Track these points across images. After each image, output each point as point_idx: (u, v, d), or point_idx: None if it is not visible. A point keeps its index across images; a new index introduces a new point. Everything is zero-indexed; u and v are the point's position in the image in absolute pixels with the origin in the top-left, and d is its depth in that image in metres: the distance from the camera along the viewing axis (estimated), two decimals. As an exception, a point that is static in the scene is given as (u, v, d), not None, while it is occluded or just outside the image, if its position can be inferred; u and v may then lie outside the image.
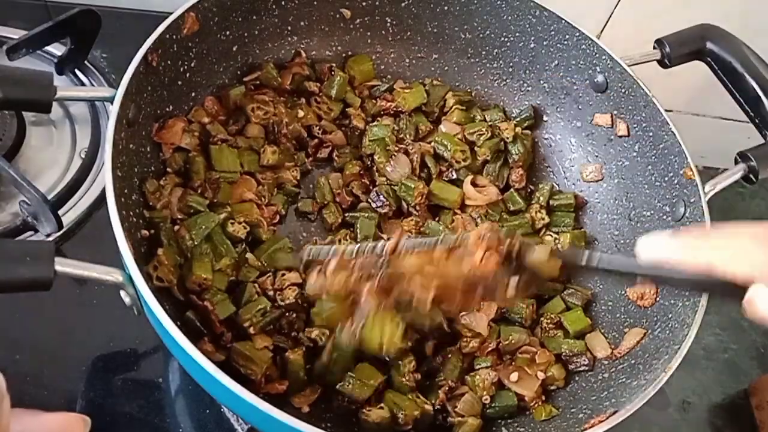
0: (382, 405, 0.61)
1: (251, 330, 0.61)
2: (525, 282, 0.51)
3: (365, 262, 0.51)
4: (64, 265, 0.47)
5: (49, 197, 0.72)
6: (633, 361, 0.64)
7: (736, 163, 0.70)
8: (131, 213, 0.60)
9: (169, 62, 0.65)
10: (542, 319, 0.69)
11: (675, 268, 0.46)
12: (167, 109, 0.68)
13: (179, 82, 0.69)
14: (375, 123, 0.77)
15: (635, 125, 0.74)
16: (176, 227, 0.63)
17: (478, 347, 0.66)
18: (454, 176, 0.77)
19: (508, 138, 0.78)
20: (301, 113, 0.75)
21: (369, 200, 0.74)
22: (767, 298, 0.42)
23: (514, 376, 0.65)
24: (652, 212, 0.72)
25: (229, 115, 0.74)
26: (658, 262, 0.47)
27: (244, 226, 0.66)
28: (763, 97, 0.70)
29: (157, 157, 0.67)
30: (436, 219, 0.75)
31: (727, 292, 0.44)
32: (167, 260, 0.59)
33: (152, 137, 0.66)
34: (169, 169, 0.67)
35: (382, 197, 0.73)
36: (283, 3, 0.75)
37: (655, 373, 0.57)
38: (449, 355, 0.65)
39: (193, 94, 0.71)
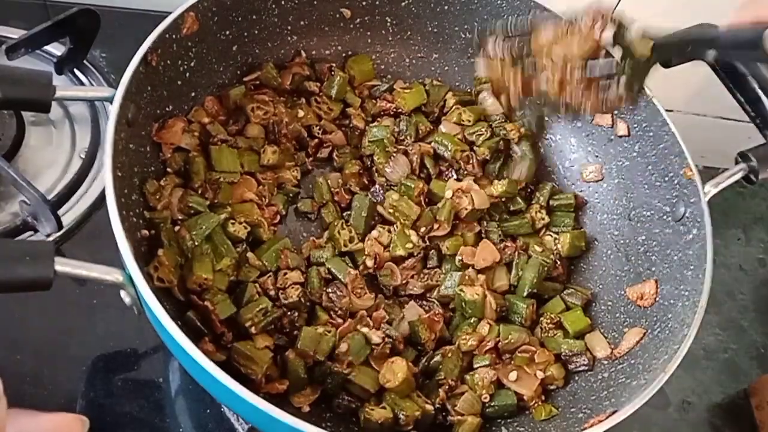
0: (384, 405, 0.61)
1: (252, 330, 0.61)
2: (629, 75, 0.59)
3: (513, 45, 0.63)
4: (63, 265, 0.47)
5: (49, 197, 0.72)
6: (633, 361, 0.64)
7: (737, 163, 0.70)
8: (131, 213, 0.60)
9: (168, 62, 0.65)
10: (542, 319, 0.69)
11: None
12: (167, 109, 0.68)
13: (179, 82, 0.69)
14: (375, 124, 0.77)
15: (635, 125, 0.74)
16: (177, 228, 0.63)
17: (477, 345, 0.66)
18: (454, 176, 0.77)
19: (513, 138, 0.78)
20: (301, 113, 0.75)
21: (371, 194, 0.74)
22: None
23: (512, 375, 0.65)
24: (652, 212, 0.72)
25: (229, 115, 0.74)
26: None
27: (245, 226, 0.66)
28: (764, 97, 0.70)
29: (157, 157, 0.67)
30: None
31: None
32: (168, 261, 0.59)
33: (152, 137, 0.66)
34: (169, 169, 0.67)
35: (383, 193, 0.73)
36: (282, 3, 0.75)
37: (654, 373, 0.57)
38: (449, 354, 0.65)
39: (192, 94, 0.71)
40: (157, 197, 0.64)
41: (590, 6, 0.60)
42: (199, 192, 0.67)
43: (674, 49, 0.63)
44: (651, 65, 0.61)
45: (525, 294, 0.70)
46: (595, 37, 0.59)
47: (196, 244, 0.62)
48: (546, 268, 0.71)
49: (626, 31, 0.60)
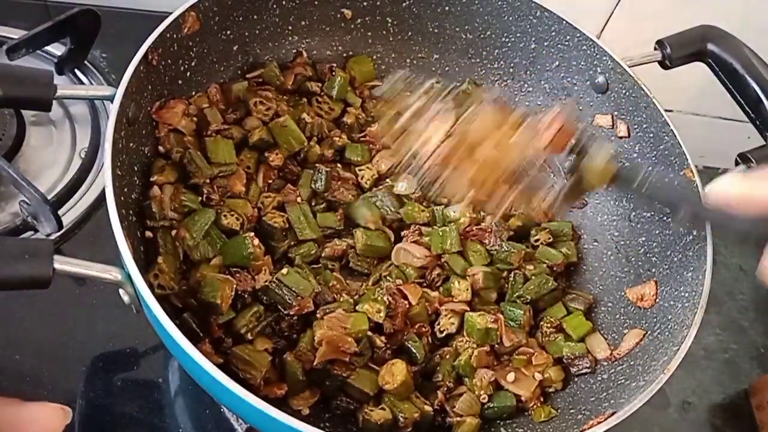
0: (383, 406, 0.61)
1: (248, 336, 0.61)
2: (568, 190, 0.51)
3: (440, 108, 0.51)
4: (62, 263, 0.47)
5: (49, 197, 0.72)
6: (632, 362, 0.64)
7: (737, 164, 0.70)
8: (131, 212, 0.60)
9: (169, 61, 0.65)
10: (542, 323, 0.69)
11: (739, 207, 0.46)
12: (167, 109, 0.68)
13: (179, 81, 0.69)
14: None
15: (636, 126, 0.74)
16: (173, 231, 0.62)
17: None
18: None
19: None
20: (305, 116, 0.74)
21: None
22: None
23: (510, 377, 0.64)
24: (652, 213, 0.72)
25: (229, 107, 0.73)
26: (724, 203, 0.47)
27: (237, 218, 0.66)
28: (764, 99, 0.70)
29: (156, 156, 0.67)
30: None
31: None
32: (167, 268, 0.59)
33: (151, 114, 0.65)
34: (160, 148, 0.66)
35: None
36: (283, 2, 0.75)
37: (654, 374, 0.57)
38: (447, 356, 0.65)
39: (193, 93, 0.71)
40: (158, 200, 0.63)
41: (561, 106, 0.52)
42: (205, 193, 0.66)
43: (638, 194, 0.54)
44: (585, 192, 0.54)
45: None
46: (553, 138, 0.51)
47: (198, 242, 0.62)
48: (548, 284, 0.70)
49: (591, 150, 0.52)
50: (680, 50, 0.73)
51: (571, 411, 0.63)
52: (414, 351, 0.64)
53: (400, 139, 0.51)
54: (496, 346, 0.66)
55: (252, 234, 0.64)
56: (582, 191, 0.53)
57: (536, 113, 0.52)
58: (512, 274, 0.71)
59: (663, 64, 0.74)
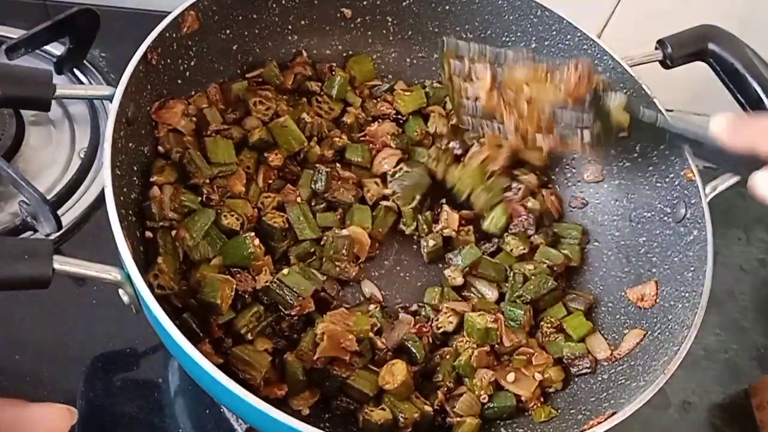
0: (383, 406, 0.61)
1: (249, 336, 0.61)
2: (597, 134, 0.61)
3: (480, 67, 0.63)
4: (62, 263, 0.47)
5: (49, 197, 0.72)
6: (632, 363, 0.64)
7: (737, 163, 0.70)
8: (130, 212, 0.59)
9: (168, 61, 0.65)
10: (542, 323, 0.69)
11: (729, 147, 0.54)
12: (167, 108, 0.68)
13: (179, 81, 0.68)
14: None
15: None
16: (173, 232, 0.62)
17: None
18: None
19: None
20: (305, 116, 0.74)
21: None
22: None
23: (510, 377, 0.64)
24: (652, 213, 0.72)
25: (229, 107, 0.73)
26: (718, 139, 0.54)
27: (237, 218, 0.65)
28: (765, 98, 0.70)
29: (156, 156, 0.67)
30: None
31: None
32: (167, 268, 0.59)
33: (150, 114, 0.65)
34: (160, 148, 0.66)
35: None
36: (283, 2, 0.75)
37: (654, 375, 0.57)
38: (447, 356, 0.65)
39: (193, 93, 0.71)
40: (158, 202, 0.63)
41: (578, 61, 0.60)
42: (205, 194, 0.66)
43: (652, 134, 0.62)
44: (618, 134, 0.62)
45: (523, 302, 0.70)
46: (571, 91, 0.60)
47: (198, 242, 0.62)
48: (547, 284, 0.70)
49: (606, 97, 0.61)
50: (681, 50, 0.73)
51: (572, 411, 0.63)
52: (414, 351, 0.64)
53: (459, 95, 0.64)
54: (496, 346, 0.66)
55: (253, 234, 0.64)
56: (609, 134, 0.62)
57: (558, 69, 0.61)
58: (512, 274, 0.71)
59: (664, 64, 0.74)
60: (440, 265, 0.74)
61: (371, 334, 0.63)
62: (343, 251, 0.67)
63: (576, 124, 0.61)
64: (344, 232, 0.68)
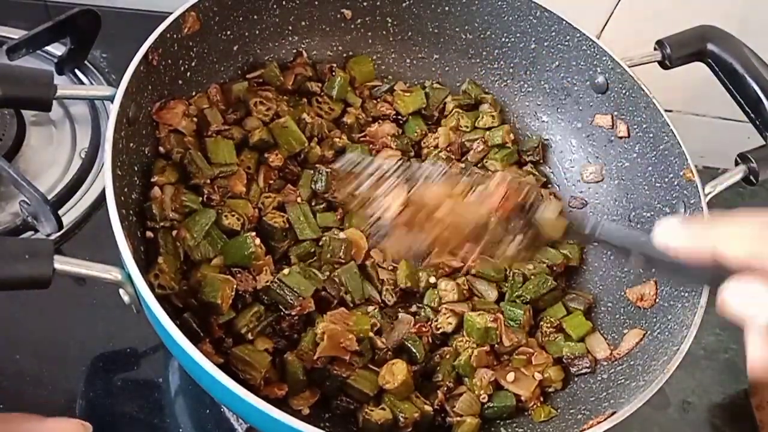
0: (383, 406, 0.61)
1: (249, 336, 0.61)
2: (527, 242, 0.54)
3: (394, 182, 0.55)
4: (62, 263, 0.47)
5: (49, 197, 0.72)
6: (632, 362, 0.64)
7: (737, 164, 0.70)
8: (131, 212, 0.60)
9: (169, 61, 0.65)
10: (542, 323, 0.69)
11: (683, 256, 0.45)
12: (167, 109, 0.68)
13: (180, 81, 0.69)
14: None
15: (635, 126, 0.74)
16: (174, 232, 0.62)
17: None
18: None
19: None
20: (306, 117, 0.74)
21: None
22: (740, 293, 0.41)
23: (510, 377, 0.64)
24: (652, 213, 0.72)
25: (230, 107, 0.73)
26: (668, 248, 0.46)
27: (238, 218, 0.66)
28: (764, 99, 0.70)
29: (157, 156, 0.67)
30: None
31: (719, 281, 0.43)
32: (168, 268, 0.59)
33: (151, 115, 0.65)
34: (161, 149, 0.66)
35: None
36: (284, 3, 0.75)
37: (653, 374, 0.57)
38: (447, 356, 0.65)
39: (193, 94, 0.71)
40: (159, 203, 0.63)
41: (501, 177, 0.55)
42: (206, 194, 0.66)
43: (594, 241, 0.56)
44: (550, 240, 0.56)
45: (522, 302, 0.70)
46: (496, 208, 0.54)
47: (198, 242, 0.62)
48: (547, 283, 0.70)
49: (538, 208, 0.55)
50: (680, 50, 0.73)
51: (571, 411, 0.63)
52: (414, 351, 0.64)
53: (363, 208, 0.55)
54: (496, 345, 0.66)
55: (254, 233, 0.64)
56: (541, 243, 0.56)
57: (481, 183, 0.55)
58: (512, 274, 0.71)
59: (663, 64, 0.74)
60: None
61: (371, 334, 0.63)
62: (340, 254, 0.67)
63: (504, 235, 0.54)
64: (341, 235, 0.68)
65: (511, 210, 0.53)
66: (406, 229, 0.55)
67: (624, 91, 0.74)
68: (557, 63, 0.78)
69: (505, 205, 0.53)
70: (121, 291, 0.51)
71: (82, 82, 0.84)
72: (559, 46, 0.77)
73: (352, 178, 0.55)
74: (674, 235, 0.46)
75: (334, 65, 0.80)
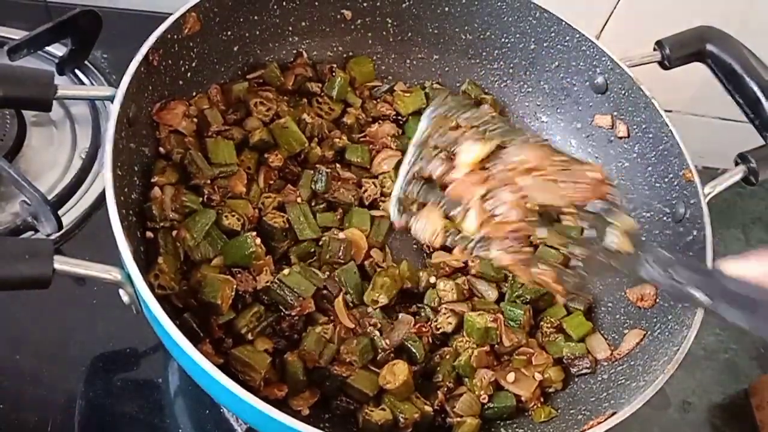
0: (383, 407, 0.61)
1: (249, 336, 0.61)
2: (590, 257, 0.50)
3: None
4: (62, 263, 0.47)
5: (50, 197, 0.72)
6: (632, 363, 0.64)
7: (737, 164, 0.70)
8: (131, 212, 0.60)
9: (170, 62, 0.65)
10: (542, 323, 0.69)
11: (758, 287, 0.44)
12: (168, 109, 0.68)
13: (180, 82, 0.69)
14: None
15: (635, 126, 0.74)
16: (174, 232, 0.63)
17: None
18: None
19: None
20: (306, 117, 0.74)
21: None
22: None
23: (510, 377, 0.64)
24: (651, 213, 0.72)
25: (230, 108, 0.73)
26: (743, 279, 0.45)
27: (238, 219, 0.66)
28: (763, 99, 0.70)
29: (157, 157, 0.67)
30: None
31: None
32: (168, 268, 0.59)
33: (152, 116, 0.65)
34: (161, 149, 0.66)
35: None
36: (284, 3, 0.75)
37: (654, 375, 0.57)
38: (447, 356, 0.65)
39: (194, 94, 0.71)
40: (159, 203, 0.63)
41: (598, 167, 0.50)
42: (206, 195, 0.66)
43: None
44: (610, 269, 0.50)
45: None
46: (579, 195, 0.49)
47: (198, 242, 0.62)
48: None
49: (614, 214, 0.50)
50: (679, 51, 0.74)
51: (571, 411, 0.63)
52: (414, 351, 0.65)
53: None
54: (496, 346, 0.66)
55: (254, 233, 0.64)
56: (604, 263, 0.50)
57: (574, 165, 0.51)
58: (512, 274, 0.71)
59: (662, 65, 0.74)
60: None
61: (372, 335, 0.63)
62: (340, 254, 0.67)
63: (563, 241, 0.49)
64: (341, 235, 0.68)
65: (589, 200, 0.49)
66: (481, 182, 0.50)
67: (623, 92, 0.74)
68: (557, 63, 0.78)
69: (588, 193, 0.49)
70: (120, 291, 0.51)
71: (82, 83, 0.84)
72: (558, 46, 0.77)
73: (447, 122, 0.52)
74: (749, 268, 0.45)
75: (334, 66, 0.80)
